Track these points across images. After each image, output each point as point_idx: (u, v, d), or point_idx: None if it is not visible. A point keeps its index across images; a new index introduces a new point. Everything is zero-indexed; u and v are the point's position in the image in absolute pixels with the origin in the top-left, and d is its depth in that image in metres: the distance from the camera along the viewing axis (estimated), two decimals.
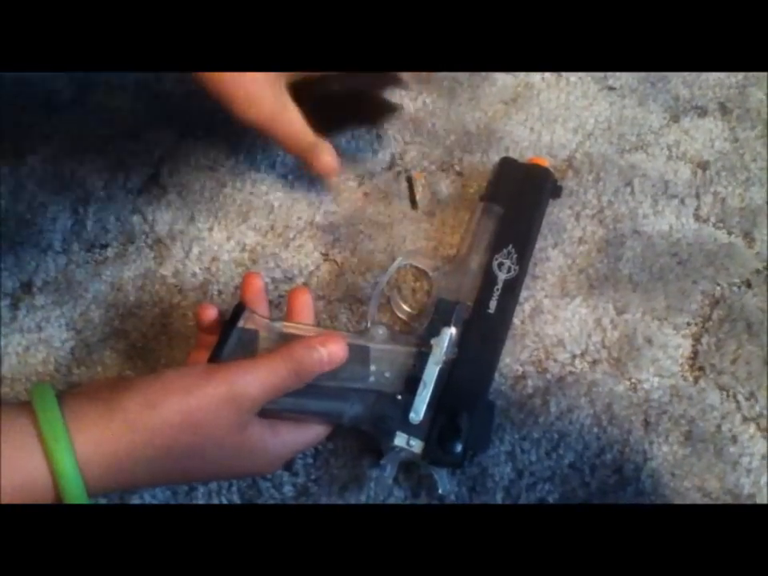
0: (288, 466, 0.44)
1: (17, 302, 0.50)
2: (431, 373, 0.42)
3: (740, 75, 0.59)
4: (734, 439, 0.44)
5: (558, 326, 0.48)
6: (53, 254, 0.51)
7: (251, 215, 0.53)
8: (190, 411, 0.35)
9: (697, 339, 0.48)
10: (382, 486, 0.43)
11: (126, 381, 0.37)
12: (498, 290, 0.46)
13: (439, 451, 0.41)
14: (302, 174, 0.54)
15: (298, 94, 0.49)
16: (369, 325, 0.44)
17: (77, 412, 0.34)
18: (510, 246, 0.47)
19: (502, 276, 0.46)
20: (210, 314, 0.41)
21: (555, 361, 0.47)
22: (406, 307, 0.48)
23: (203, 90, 0.46)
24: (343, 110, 0.54)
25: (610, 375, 0.47)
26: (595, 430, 0.45)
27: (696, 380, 0.47)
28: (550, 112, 0.58)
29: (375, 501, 0.44)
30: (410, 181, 0.55)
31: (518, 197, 0.49)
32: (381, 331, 0.43)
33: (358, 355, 0.41)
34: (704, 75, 0.59)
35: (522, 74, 0.59)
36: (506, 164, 0.52)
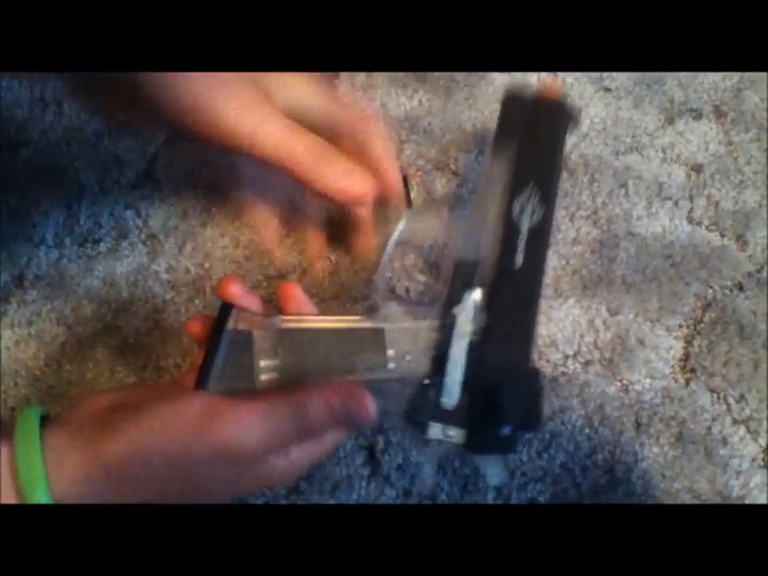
0: None
1: (8, 295, 0.49)
2: (459, 347, 0.36)
3: (735, 78, 0.60)
4: (724, 441, 0.45)
5: (551, 327, 0.48)
6: (45, 248, 0.51)
7: (245, 212, 0.53)
8: (180, 465, 0.33)
9: (689, 341, 0.48)
10: (425, 487, 0.39)
11: (111, 418, 0.33)
12: (522, 240, 0.39)
13: (484, 437, 0.35)
14: None
15: None
16: (379, 302, 0.38)
17: (57, 454, 0.32)
18: (531, 185, 0.40)
19: (525, 223, 0.40)
20: (197, 327, 0.37)
21: (547, 361, 0.47)
22: (419, 276, 0.43)
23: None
24: None
25: (602, 376, 0.47)
26: (587, 430, 0.45)
27: (687, 382, 0.47)
28: None
29: (419, 500, 0.41)
30: (405, 179, 0.55)
31: (533, 132, 0.43)
32: (393, 308, 0.37)
33: (372, 340, 0.36)
34: (699, 78, 0.60)
35: (518, 74, 0.59)
36: (513, 100, 0.45)
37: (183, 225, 0.52)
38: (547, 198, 0.41)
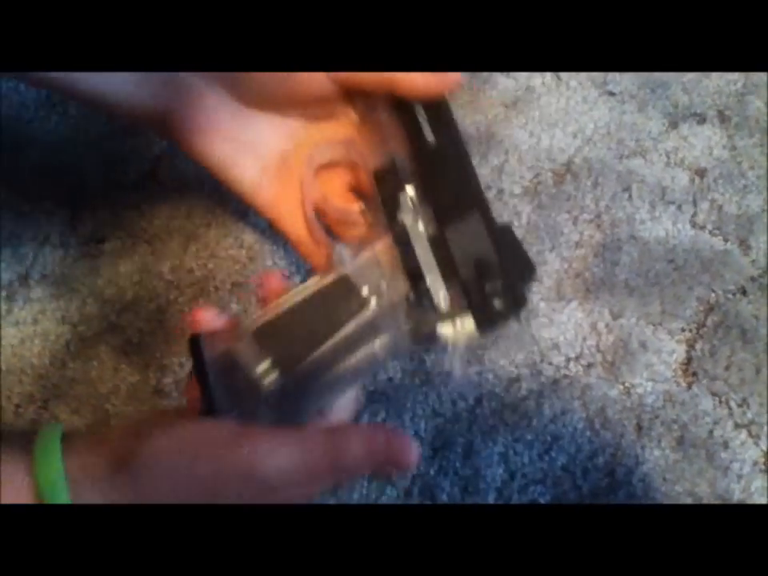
0: None
1: (13, 294, 0.50)
2: (423, 247, 0.35)
3: (739, 83, 0.60)
4: (726, 445, 0.45)
5: (554, 329, 0.48)
6: (50, 247, 0.51)
7: (249, 212, 0.53)
8: (206, 486, 0.32)
9: (691, 345, 0.48)
10: (464, 384, 0.38)
11: (131, 442, 0.32)
12: (422, 117, 0.37)
13: (490, 308, 0.33)
14: None
15: None
16: (331, 252, 0.37)
17: (78, 460, 0.32)
18: None
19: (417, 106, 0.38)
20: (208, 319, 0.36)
21: (550, 364, 0.47)
22: (349, 206, 0.40)
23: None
24: None
25: (604, 379, 0.47)
26: (588, 433, 0.45)
27: (689, 385, 0.47)
28: (550, 116, 0.58)
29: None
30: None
31: None
32: (342, 249, 0.36)
33: (343, 289, 0.35)
34: (704, 82, 0.60)
35: (522, 78, 0.60)
36: None
37: (187, 225, 0.53)
38: None
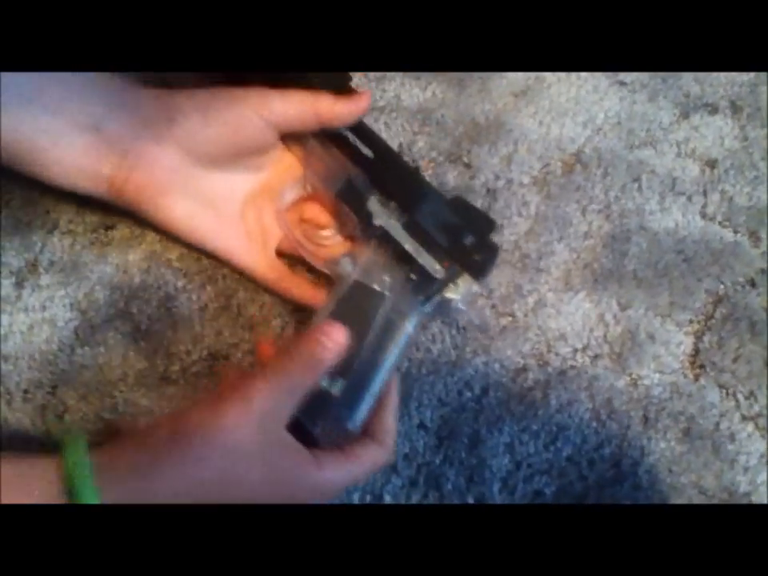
0: None
1: (22, 281, 0.50)
2: (405, 238, 0.42)
3: (752, 74, 0.59)
4: (732, 437, 0.45)
5: (561, 320, 0.48)
6: (59, 234, 0.52)
7: None
8: (252, 491, 0.35)
9: (699, 337, 0.48)
10: (484, 330, 0.45)
11: (160, 447, 0.34)
12: (352, 137, 0.45)
13: (476, 257, 0.41)
14: None
15: None
16: (337, 268, 0.43)
17: (107, 479, 0.33)
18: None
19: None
20: (269, 352, 0.41)
21: (557, 354, 0.47)
22: (324, 233, 0.46)
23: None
24: None
25: (610, 370, 0.47)
26: (594, 424, 0.45)
27: (696, 377, 0.47)
28: (560, 105, 0.57)
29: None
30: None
31: None
32: (347, 260, 0.43)
33: (360, 292, 0.41)
34: (715, 73, 0.59)
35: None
36: None
37: None
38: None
